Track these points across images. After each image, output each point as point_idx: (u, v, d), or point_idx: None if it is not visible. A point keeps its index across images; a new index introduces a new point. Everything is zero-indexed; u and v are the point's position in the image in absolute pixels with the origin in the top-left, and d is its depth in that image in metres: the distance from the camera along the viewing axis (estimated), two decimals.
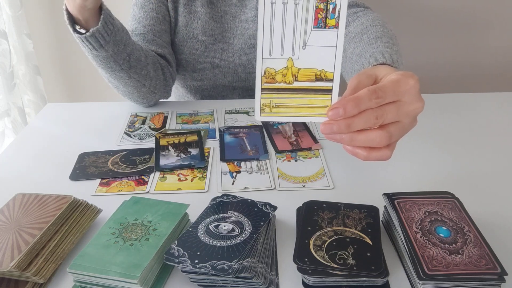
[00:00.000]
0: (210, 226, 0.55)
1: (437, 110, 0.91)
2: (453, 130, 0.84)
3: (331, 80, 0.45)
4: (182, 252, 0.51)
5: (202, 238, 0.53)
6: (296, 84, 0.46)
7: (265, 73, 0.45)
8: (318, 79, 0.45)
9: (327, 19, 0.43)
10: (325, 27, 0.44)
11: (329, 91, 0.46)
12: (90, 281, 0.50)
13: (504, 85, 1.66)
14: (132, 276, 0.48)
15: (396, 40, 0.73)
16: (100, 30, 0.74)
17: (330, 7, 0.43)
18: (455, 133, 0.83)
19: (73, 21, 0.74)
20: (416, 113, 0.47)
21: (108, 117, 0.92)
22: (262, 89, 0.46)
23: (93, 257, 0.50)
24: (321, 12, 0.43)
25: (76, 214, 0.58)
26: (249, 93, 1.05)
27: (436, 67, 1.65)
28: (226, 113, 0.93)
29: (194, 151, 0.78)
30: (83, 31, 0.74)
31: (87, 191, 0.68)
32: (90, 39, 0.74)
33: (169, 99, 1.03)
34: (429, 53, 1.62)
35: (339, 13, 0.43)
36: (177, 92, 1.13)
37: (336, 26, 0.43)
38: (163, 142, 0.81)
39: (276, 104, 0.46)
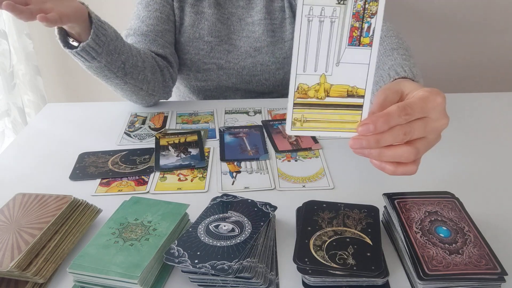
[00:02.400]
0: (210, 226, 0.55)
1: None
2: (453, 130, 0.84)
3: (362, 97, 0.46)
4: (182, 252, 0.51)
5: (202, 238, 0.53)
6: (328, 100, 0.46)
7: (298, 88, 0.46)
8: (350, 95, 0.46)
9: (362, 37, 0.44)
10: (359, 45, 0.44)
11: (359, 107, 0.46)
12: (90, 281, 0.50)
13: (504, 85, 1.66)
14: (132, 276, 0.48)
15: (411, 51, 0.73)
16: (90, 44, 0.73)
17: (365, 25, 0.44)
18: (455, 133, 0.83)
19: (64, 34, 0.74)
20: (441, 129, 0.48)
21: (108, 117, 0.92)
22: (295, 104, 0.46)
23: (93, 257, 0.50)
24: (356, 31, 0.44)
25: (76, 214, 0.58)
26: (251, 95, 1.05)
27: (436, 67, 1.65)
28: (226, 113, 0.93)
29: (194, 151, 0.78)
30: (75, 44, 0.74)
31: (87, 191, 0.68)
32: (81, 53, 0.73)
33: (171, 99, 1.03)
34: (429, 53, 1.62)
35: (373, 32, 0.44)
36: (179, 92, 1.13)
37: (370, 44, 0.44)
38: (163, 142, 0.81)
39: (307, 119, 0.47)
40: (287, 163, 0.75)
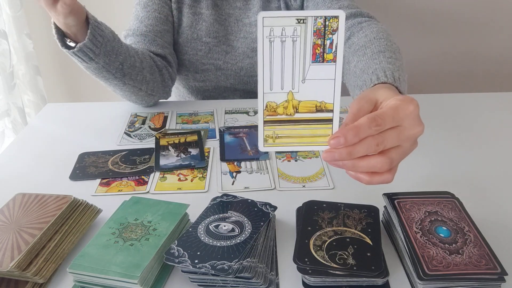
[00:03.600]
0: (210, 226, 0.55)
1: (437, 110, 0.91)
2: (453, 130, 0.84)
3: (331, 111, 0.47)
4: (182, 252, 0.51)
5: (202, 238, 0.53)
6: (298, 116, 0.47)
7: (266, 106, 0.47)
8: (319, 110, 0.47)
9: (325, 54, 0.45)
10: (323, 61, 0.45)
11: (329, 121, 0.47)
12: (90, 281, 0.50)
13: (504, 85, 1.66)
14: (132, 276, 0.48)
15: (400, 54, 0.73)
16: (87, 44, 0.73)
17: (327, 42, 0.44)
18: (455, 133, 0.83)
19: (62, 34, 0.74)
20: (416, 136, 0.48)
21: (108, 117, 0.92)
22: (265, 122, 0.47)
23: (93, 257, 0.50)
24: (318, 48, 0.45)
25: (76, 214, 0.58)
26: (250, 95, 1.05)
27: (436, 66, 1.65)
28: (226, 113, 0.93)
29: (194, 151, 0.78)
30: (72, 44, 0.74)
31: (87, 191, 0.68)
32: (78, 54, 0.73)
33: (170, 99, 1.03)
34: (430, 53, 1.61)
35: (336, 48, 0.45)
36: (178, 93, 1.13)
37: (334, 60, 0.45)
38: (163, 142, 0.81)
39: (279, 135, 0.48)
40: (287, 163, 0.75)
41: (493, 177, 0.70)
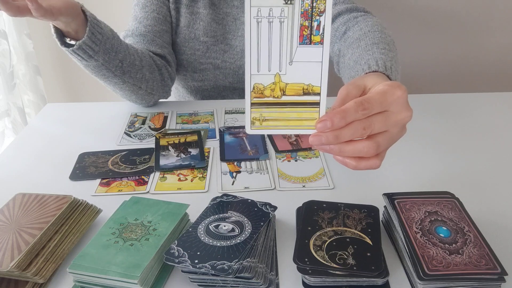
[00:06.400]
0: (210, 226, 0.55)
1: (437, 110, 0.91)
2: (453, 130, 0.84)
3: (318, 94, 0.47)
4: (182, 252, 0.51)
5: (202, 238, 0.53)
6: (285, 98, 0.47)
7: (253, 88, 0.47)
8: (306, 93, 0.47)
9: (312, 36, 0.45)
10: (310, 44, 0.45)
11: (316, 104, 0.47)
12: (90, 281, 0.50)
13: (504, 85, 1.66)
14: (132, 276, 0.48)
15: (394, 46, 0.73)
16: (86, 42, 0.73)
17: (315, 24, 0.44)
18: (455, 133, 0.83)
19: (60, 33, 0.74)
20: (404, 122, 0.48)
21: (108, 117, 0.92)
22: (252, 104, 0.47)
23: (93, 257, 0.50)
24: (305, 29, 0.45)
25: (76, 214, 0.58)
26: None
27: (436, 66, 1.65)
28: (226, 113, 0.93)
29: (194, 151, 0.78)
30: (72, 42, 0.74)
31: (87, 191, 0.68)
32: (78, 51, 0.73)
33: (169, 99, 1.03)
34: (430, 53, 1.61)
35: (323, 30, 0.45)
36: (177, 93, 1.13)
37: (321, 42, 0.45)
38: (163, 142, 0.81)
39: (266, 118, 0.48)
40: (287, 163, 0.75)
41: (493, 177, 0.70)
